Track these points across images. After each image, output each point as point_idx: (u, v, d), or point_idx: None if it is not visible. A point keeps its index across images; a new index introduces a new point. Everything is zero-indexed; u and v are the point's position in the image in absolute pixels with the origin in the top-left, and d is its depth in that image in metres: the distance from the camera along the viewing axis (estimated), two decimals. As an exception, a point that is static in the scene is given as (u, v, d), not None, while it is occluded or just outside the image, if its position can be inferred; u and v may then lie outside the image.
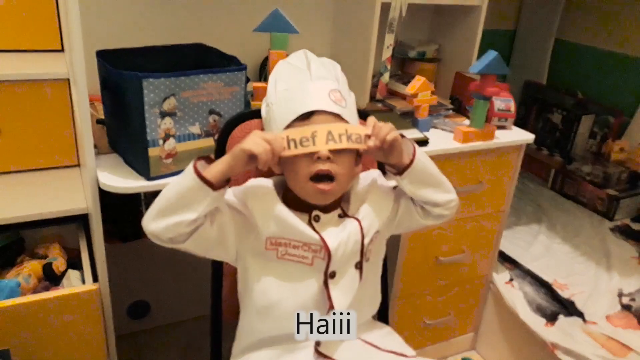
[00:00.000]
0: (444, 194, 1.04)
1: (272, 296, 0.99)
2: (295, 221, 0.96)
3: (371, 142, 0.95)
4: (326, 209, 1.01)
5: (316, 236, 0.97)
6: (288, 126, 0.97)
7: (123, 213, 1.40)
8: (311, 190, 0.94)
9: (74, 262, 1.39)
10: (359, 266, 1.01)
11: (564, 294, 1.72)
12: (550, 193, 2.35)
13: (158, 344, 1.81)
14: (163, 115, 1.07)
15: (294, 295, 0.99)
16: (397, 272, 1.56)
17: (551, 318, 1.64)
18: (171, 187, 0.90)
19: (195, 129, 1.13)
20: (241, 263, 1.01)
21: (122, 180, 1.11)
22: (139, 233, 1.56)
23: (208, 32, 1.55)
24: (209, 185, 0.87)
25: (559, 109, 2.44)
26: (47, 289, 1.29)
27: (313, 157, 0.93)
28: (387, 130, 0.95)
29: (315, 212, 1.00)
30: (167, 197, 0.89)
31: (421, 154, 1.00)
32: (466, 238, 1.65)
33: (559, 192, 2.34)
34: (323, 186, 0.93)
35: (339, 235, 0.98)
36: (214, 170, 0.90)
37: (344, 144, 0.93)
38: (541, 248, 1.96)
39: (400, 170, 0.99)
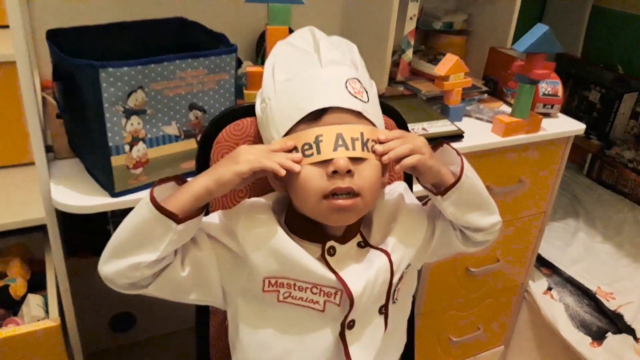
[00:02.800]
0: (489, 217, 0.81)
1: (271, 351, 0.77)
2: (302, 256, 0.73)
3: (385, 158, 0.71)
4: (343, 238, 0.77)
5: (331, 276, 0.74)
6: (291, 129, 0.72)
7: (94, 223, 1.18)
8: (326, 209, 0.70)
9: (40, 280, 1.18)
10: (383, 311, 0.79)
11: (610, 305, 1.50)
12: (586, 181, 2.11)
13: (145, 359, 1.62)
14: (129, 113, 0.82)
15: (299, 351, 0.77)
16: (422, 288, 1.34)
17: (597, 336, 1.42)
18: (126, 220, 0.68)
19: (172, 130, 0.88)
20: (231, 307, 0.79)
21: (80, 196, 0.88)
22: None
23: (191, 3, 1.28)
24: (171, 218, 0.65)
25: (596, 86, 2.17)
26: (2, 318, 1.08)
27: (327, 169, 0.69)
28: (406, 150, 0.72)
29: (330, 243, 0.76)
30: (120, 232, 0.68)
31: (469, 170, 0.76)
32: (502, 245, 1.42)
33: (596, 180, 2.10)
34: (343, 201, 0.69)
35: (364, 274, 0.75)
36: (182, 197, 0.67)
37: (358, 152, 0.69)
38: (581, 248, 1.73)
39: (442, 190, 0.75)
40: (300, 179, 0.70)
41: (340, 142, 0.69)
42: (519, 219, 1.42)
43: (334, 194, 0.69)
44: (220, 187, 0.68)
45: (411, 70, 1.41)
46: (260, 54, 1.30)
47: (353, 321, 0.76)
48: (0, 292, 1.09)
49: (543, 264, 1.64)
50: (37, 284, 1.19)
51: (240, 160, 0.68)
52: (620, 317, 1.47)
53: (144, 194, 0.67)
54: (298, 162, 0.69)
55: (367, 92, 0.75)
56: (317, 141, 0.69)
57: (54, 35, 0.91)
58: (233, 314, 0.79)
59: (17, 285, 1.11)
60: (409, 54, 1.36)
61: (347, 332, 0.76)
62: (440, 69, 1.20)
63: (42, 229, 1.24)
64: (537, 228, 1.48)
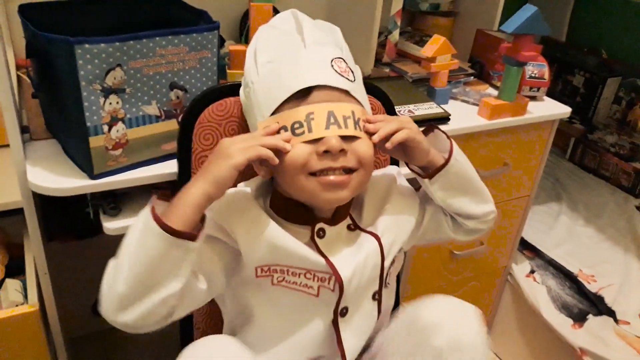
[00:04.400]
0: (482, 205, 0.81)
1: (265, 332, 0.77)
2: (291, 243, 0.71)
3: (375, 137, 0.70)
4: (332, 220, 0.76)
5: (321, 260, 0.73)
6: (276, 110, 0.70)
7: (72, 209, 1.15)
8: (316, 186, 0.68)
9: (19, 264, 1.15)
10: (377, 297, 0.78)
11: (592, 287, 1.52)
12: (568, 165, 2.13)
13: (127, 343, 1.60)
14: (107, 92, 0.79)
15: (292, 335, 0.76)
16: (405, 272, 1.33)
17: (579, 318, 1.44)
18: (132, 256, 0.60)
19: (152, 110, 0.86)
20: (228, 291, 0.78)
21: (57, 178, 0.85)
22: (96, 229, 1.31)
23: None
24: (188, 238, 0.60)
25: (580, 70, 2.17)
26: (-21, 303, 1.05)
27: (317, 148, 0.67)
28: (394, 126, 0.70)
29: (319, 225, 0.74)
30: (130, 270, 0.60)
31: (459, 153, 0.76)
32: (486, 228, 1.42)
33: (578, 165, 2.11)
34: (335, 177, 0.67)
35: (353, 258, 0.74)
36: (184, 211, 0.62)
37: (351, 131, 0.68)
38: (563, 231, 1.75)
39: (431, 173, 0.74)
40: (289, 157, 0.67)
41: (332, 120, 0.67)
42: (503, 203, 1.42)
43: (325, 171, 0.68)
44: (220, 187, 0.64)
45: (397, 52, 1.39)
46: (243, 33, 1.26)
47: (346, 308, 0.76)
48: (-24, 277, 1.06)
49: (526, 247, 1.65)
50: (16, 269, 1.16)
51: (232, 152, 0.65)
52: (601, 299, 1.49)
53: (142, 223, 0.60)
54: (288, 142, 0.67)
55: (352, 72, 0.73)
56: (309, 119, 0.67)
57: (27, 10, 0.87)
58: (231, 294, 0.78)
59: (-6, 270, 1.09)
60: (395, 35, 1.34)
61: (340, 320, 0.76)
62: (427, 50, 1.18)
63: (20, 212, 1.21)
64: (522, 211, 1.48)
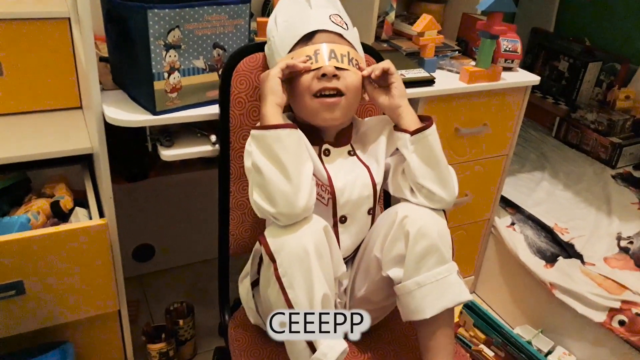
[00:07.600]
0: (439, 187, 0.95)
1: None
2: (313, 153, 0.96)
3: (365, 71, 0.96)
4: (337, 143, 1.01)
5: (325, 173, 0.97)
6: (290, 52, 0.97)
7: (129, 152, 1.41)
8: (316, 105, 0.94)
9: (80, 202, 1.41)
10: (371, 212, 1.02)
11: (564, 237, 1.75)
12: (554, 141, 2.35)
13: (163, 287, 1.85)
14: (168, 47, 1.05)
15: None
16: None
17: (551, 260, 1.66)
18: (273, 162, 0.86)
19: (200, 63, 1.12)
20: None
21: (128, 114, 1.10)
22: (146, 173, 1.58)
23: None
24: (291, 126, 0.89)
25: (565, 57, 2.40)
26: (55, 225, 1.31)
27: (318, 75, 0.93)
28: (380, 65, 0.96)
29: (325, 146, 1.00)
30: (282, 168, 0.85)
31: (436, 133, 0.96)
32: (470, 181, 1.66)
33: (562, 141, 2.34)
34: (329, 99, 0.94)
35: (346, 176, 0.98)
36: (275, 116, 0.90)
37: (345, 64, 0.94)
38: (543, 194, 1.97)
39: (413, 130, 0.94)
40: (299, 81, 0.94)
41: (332, 55, 0.93)
42: (484, 159, 1.65)
43: (323, 94, 0.93)
44: (277, 94, 0.91)
45: (394, 30, 1.64)
46: (266, 10, 1.53)
47: (345, 217, 0.99)
48: (53, 205, 1.31)
49: (508, 205, 1.88)
50: (78, 206, 1.41)
51: (271, 70, 0.92)
52: (571, 246, 1.71)
53: (257, 147, 0.87)
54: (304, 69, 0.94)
55: (347, 24, 1.00)
56: (316, 54, 0.93)
57: (104, -12, 1.14)
58: None
59: (66, 201, 1.34)
60: (392, 15, 1.59)
61: (340, 225, 0.99)
62: (416, 27, 1.44)
63: (80, 161, 1.47)
64: (501, 169, 1.71)
